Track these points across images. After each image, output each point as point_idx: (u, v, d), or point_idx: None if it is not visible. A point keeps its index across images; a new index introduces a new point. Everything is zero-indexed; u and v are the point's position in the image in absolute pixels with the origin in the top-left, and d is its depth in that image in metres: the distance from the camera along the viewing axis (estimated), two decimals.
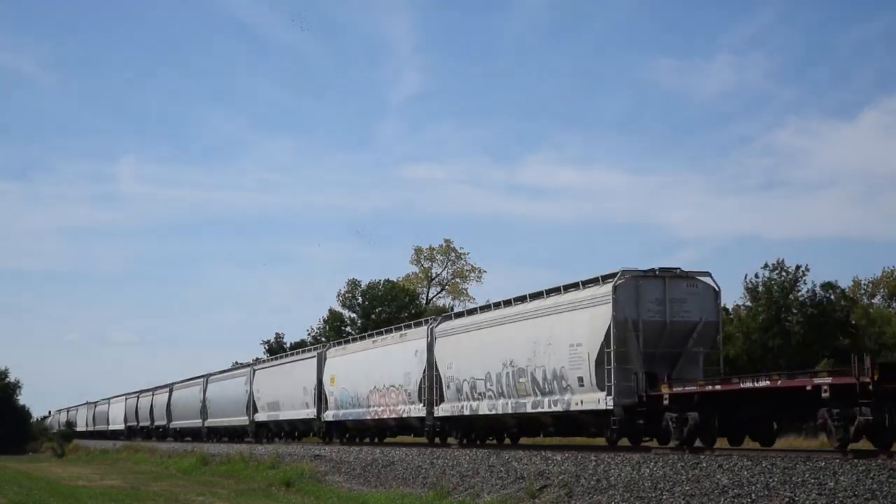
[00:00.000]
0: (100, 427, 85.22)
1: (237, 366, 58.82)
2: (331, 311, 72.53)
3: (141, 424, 69.74)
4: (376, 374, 32.77)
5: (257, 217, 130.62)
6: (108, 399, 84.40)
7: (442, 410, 28.37)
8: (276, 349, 71.38)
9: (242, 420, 46.92)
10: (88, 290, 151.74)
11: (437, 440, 29.96)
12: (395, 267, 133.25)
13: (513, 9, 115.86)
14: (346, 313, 72.52)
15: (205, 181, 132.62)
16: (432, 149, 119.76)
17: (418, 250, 75.32)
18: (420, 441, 31.91)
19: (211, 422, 53.20)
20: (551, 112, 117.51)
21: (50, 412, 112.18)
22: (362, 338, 37.09)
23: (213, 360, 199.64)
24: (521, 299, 25.48)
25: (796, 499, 13.51)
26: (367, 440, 36.30)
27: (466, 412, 27.01)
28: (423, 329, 30.38)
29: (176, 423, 60.95)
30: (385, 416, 32.06)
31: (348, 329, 68.69)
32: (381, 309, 69.87)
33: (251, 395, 45.66)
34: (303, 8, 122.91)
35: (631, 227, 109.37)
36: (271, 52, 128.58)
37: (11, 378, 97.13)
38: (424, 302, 73.65)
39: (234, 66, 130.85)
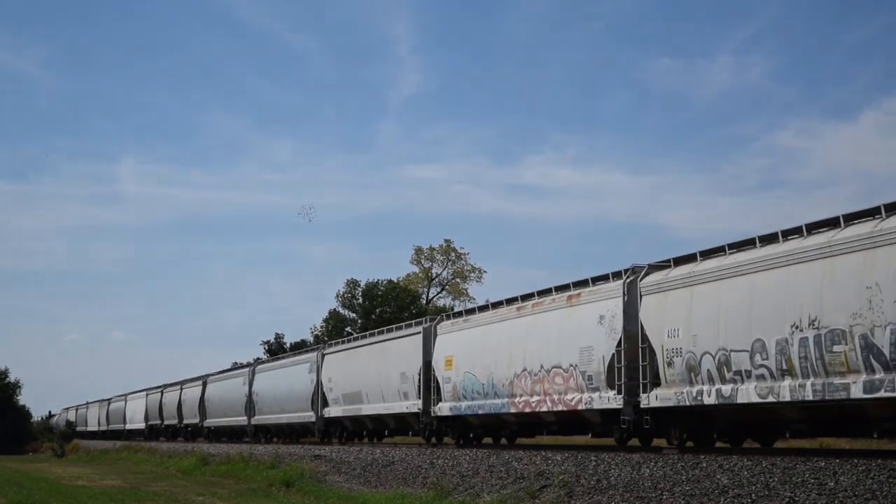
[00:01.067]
0: (115, 426, 77.87)
1: (302, 349, 50.73)
2: (331, 312, 72.58)
3: (166, 423, 62.59)
4: (527, 351, 23.75)
5: (257, 217, 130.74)
6: (125, 395, 76.03)
7: (657, 399, 19.25)
8: (277, 349, 71.41)
9: (304, 416, 39.40)
10: (88, 290, 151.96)
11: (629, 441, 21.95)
12: (395, 267, 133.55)
13: (513, 9, 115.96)
14: (347, 313, 72.59)
15: (205, 181, 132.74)
16: (432, 149, 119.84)
17: (418, 250, 75.44)
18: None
19: (259, 419, 45.37)
20: (551, 112, 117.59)
21: (50, 412, 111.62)
22: (493, 306, 27.14)
23: (213, 360, 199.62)
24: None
25: (796, 499, 13.50)
26: (503, 440, 27.80)
27: (712, 399, 17.78)
28: (614, 285, 21.18)
29: (212, 422, 52.97)
30: (544, 409, 22.93)
31: (349, 329, 68.71)
32: (382, 309, 69.90)
33: (318, 385, 37.69)
34: (298, 12, 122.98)
35: (631, 227, 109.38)
36: (271, 52, 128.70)
37: (11, 378, 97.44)
38: (425, 302, 73.67)
39: (235, 67, 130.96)
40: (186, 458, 41.44)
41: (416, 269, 75.86)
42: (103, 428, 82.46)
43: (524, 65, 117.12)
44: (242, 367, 54.10)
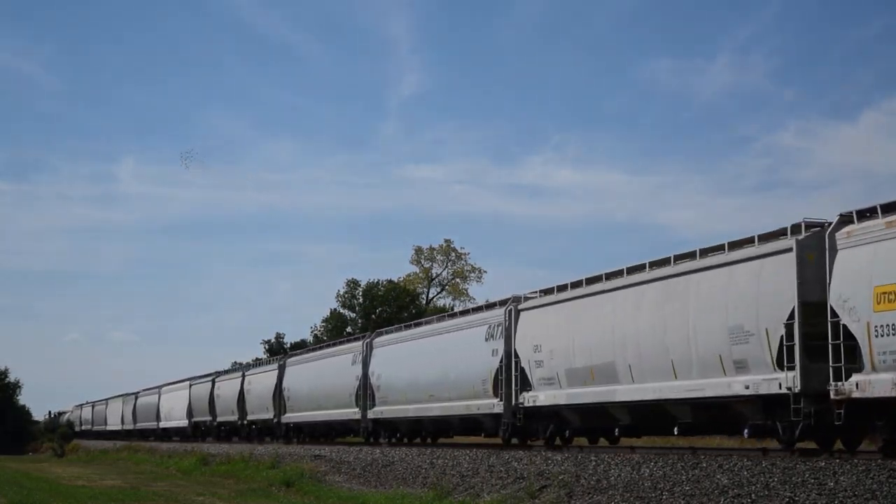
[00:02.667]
0: (144, 424, 67.31)
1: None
2: (331, 312, 72.57)
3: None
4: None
5: (257, 217, 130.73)
6: (158, 388, 65.34)
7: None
8: (277, 349, 71.40)
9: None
10: (88, 290, 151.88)
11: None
12: (395, 267, 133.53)
13: (513, 8, 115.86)
14: (347, 313, 72.58)
15: (205, 181, 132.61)
16: (432, 149, 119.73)
17: (418, 250, 75.32)
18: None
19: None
20: (551, 112, 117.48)
21: (57, 411, 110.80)
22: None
23: (213, 360, 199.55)
24: None
25: (796, 499, 13.50)
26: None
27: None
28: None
29: (296, 416, 43.85)
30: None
31: (349, 329, 68.72)
32: (382, 309, 69.88)
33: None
34: (298, 12, 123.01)
35: (631, 227, 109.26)
36: (272, 52, 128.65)
37: (11, 378, 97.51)
38: (425, 302, 73.66)
39: (235, 67, 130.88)
40: (186, 458, 41.48)
41: (416, 269, 75.81)
42: (128, 426, 71.57)
43: (524, 64, 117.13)
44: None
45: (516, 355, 24.13)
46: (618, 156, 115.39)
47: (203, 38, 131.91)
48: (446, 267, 75.64)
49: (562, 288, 23.46)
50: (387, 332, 34.40)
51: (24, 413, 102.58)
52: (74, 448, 75.49)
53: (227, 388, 50.04)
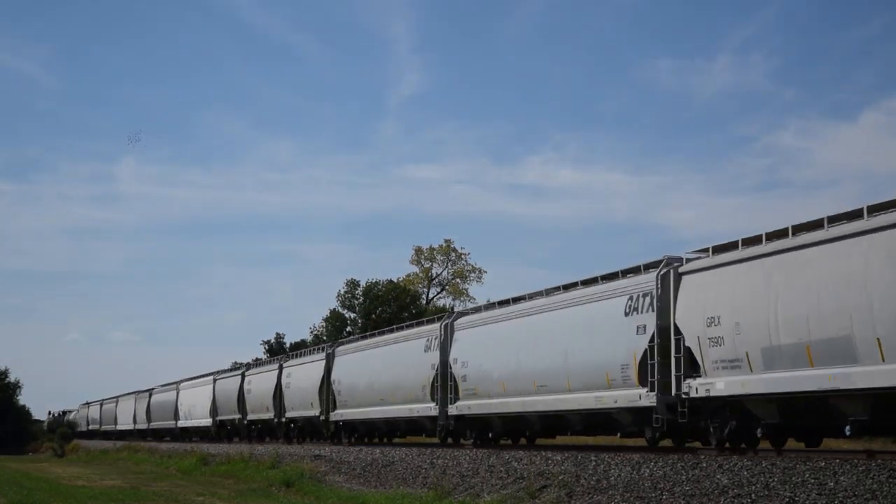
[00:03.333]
0: (160, 423, 62.21)
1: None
2: (331, 312, 72.57)
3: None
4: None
5: (257, 217, 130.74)
6: (176, 384, 60.36)
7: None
8: (277, 349, 71.40)
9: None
10: (88, 290, 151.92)
11: None
12: (395, 267, 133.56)
13: (512, 8, 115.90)
14: (347, 313, 72.60)
15: (205, 181, 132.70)
16: (432, 149, 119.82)
17: (418, 250, 75.32)
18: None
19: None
20: (551, 112, 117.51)
21: (50, 411, 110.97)
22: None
23: (213, 360, 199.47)
24: None
25: (796, 499, 13.50)
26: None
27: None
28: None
29: (350, 412, 36.85)
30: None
31: (349, 329, 68.73)
32: (382, 309, 69.87)
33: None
34: (298, 13, 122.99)
35: (631, 227, 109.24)
36: (271, 53, 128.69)
37: (11, 378, 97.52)
38: (425, 302, 73.67)
39: (235, 67, 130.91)
40: (186, 458, 41.45)
41: (416, 269, 75.81)
42: (142, 426, 67.12)
43: (524, 65, 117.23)
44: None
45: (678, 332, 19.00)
46: (618, 156, 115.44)
47: (203, 38, 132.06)
48: (446, 267, 75.68)
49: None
50: (473, 312, 29.16)
51: (24, 413, 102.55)
52: (74, 448, 75.44)
53: (261, 383, 44.47)
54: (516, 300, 25.86)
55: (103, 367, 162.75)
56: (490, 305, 27.97)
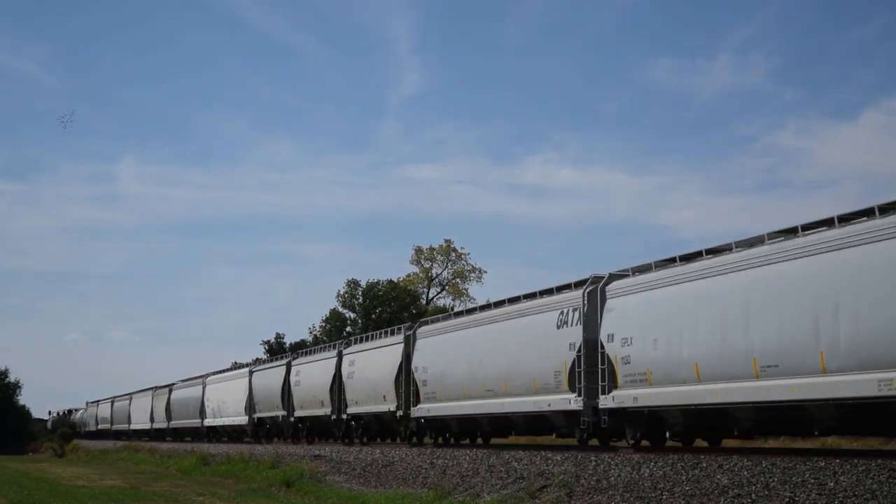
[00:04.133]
0: (182, 422, 56.07)
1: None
2: (331, 312, 72.57)
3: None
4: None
5: (257, 217, 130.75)
6: (201, 377, 54.17)
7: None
8: (277, 349, 71.40)
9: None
10: (88, 290, 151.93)
11: None
12: (395, 267, 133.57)
13: (512, 8, 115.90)
14: (347, 313, 72.60)
15: (205, 181, 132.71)
16: (432, 149, 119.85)
17: (418, 250, 75.32)
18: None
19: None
20: (551, 112, 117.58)
21: (50, 410, 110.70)
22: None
23: (213, 360, 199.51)
24: None
25: (796, 499, 13.50)
26: None
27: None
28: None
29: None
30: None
31: (349, 329, 68.73)
32: (382, 309, 69.87)
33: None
34: (298, 13, 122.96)
35: (631, 227, 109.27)
36: (271, 53, 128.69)
37: (11, 378, 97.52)
38: (425, 302, 73.67)
39: (235, 67, 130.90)
40: (186, 458, 41.41)
41: (416, 269, 75.81)
42: (161, 425, 60.42)
43: (524, 65, 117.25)
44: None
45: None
46: (618, 156, 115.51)
47: (203, 38, 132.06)
48: (446, 267, 75.68)
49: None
50: (633, 274, 21.34)
51: (24, 413, 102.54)
52: (74, 448, 75.42)
53: (313, 374, 38.11)
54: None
55: (103, 366, 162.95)
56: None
